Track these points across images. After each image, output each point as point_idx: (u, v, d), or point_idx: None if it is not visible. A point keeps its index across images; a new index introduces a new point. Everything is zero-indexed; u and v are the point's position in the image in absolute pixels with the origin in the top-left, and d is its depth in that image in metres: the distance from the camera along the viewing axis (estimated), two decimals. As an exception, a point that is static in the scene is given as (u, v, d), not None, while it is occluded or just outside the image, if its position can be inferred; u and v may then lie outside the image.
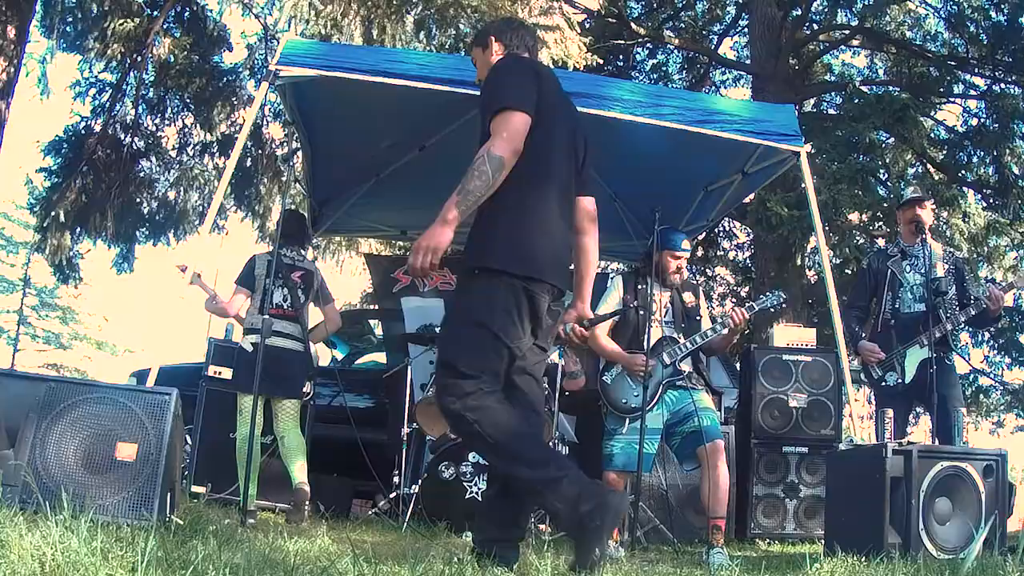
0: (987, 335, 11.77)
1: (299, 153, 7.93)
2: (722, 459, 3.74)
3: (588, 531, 2.21)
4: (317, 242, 10.97)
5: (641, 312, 3.97)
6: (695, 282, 4.50)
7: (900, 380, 4.23)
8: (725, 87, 14.41)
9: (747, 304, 4.07)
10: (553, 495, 2.27)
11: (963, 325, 4.37)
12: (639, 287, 4.04)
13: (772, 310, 4.80)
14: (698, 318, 4.07)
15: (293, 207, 10.23)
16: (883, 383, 4.29)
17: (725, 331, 3.92)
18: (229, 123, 10.28)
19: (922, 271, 4.28)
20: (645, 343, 3.83)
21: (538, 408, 2.66)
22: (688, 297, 4.09)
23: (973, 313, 4.20)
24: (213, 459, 4.67)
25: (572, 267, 2.79)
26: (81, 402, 2.62)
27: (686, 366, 3.94)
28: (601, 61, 9.22)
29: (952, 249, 4.71)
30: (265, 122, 10.22)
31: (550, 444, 4.60)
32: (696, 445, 3.77)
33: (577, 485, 2.27)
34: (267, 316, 3.89)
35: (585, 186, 2.79)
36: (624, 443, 3.85)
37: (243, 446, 4.18)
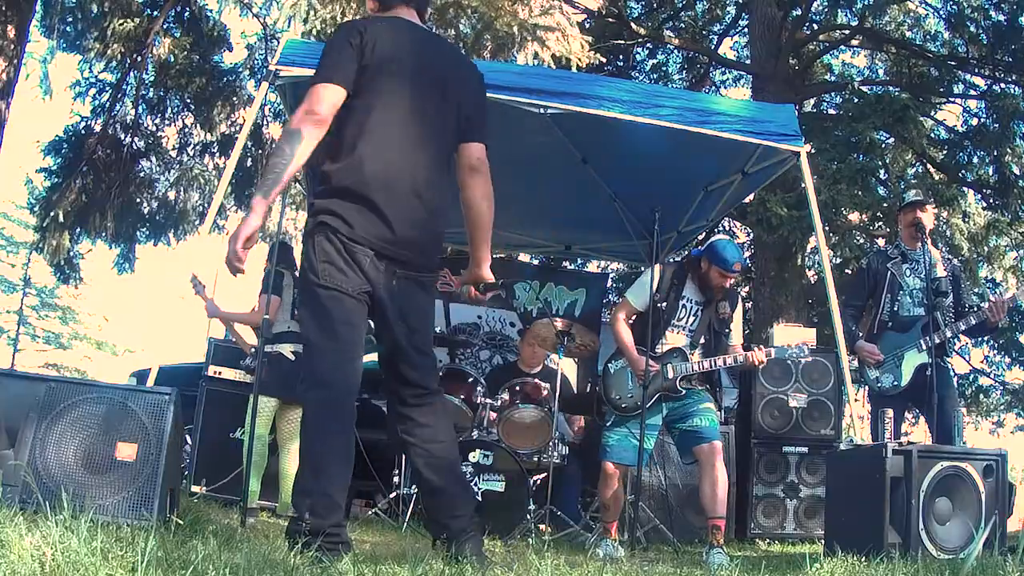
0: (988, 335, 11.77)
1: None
2: (720, 459, 3.73)
3: None
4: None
5: (664, 316, 3.85)
6: (738, 291, 4.37)
7: (896, 383, 4.23)
8: (725, 87, 14.41)
9: (767, 349, 3.89)
10: None
11: (961, 334, 4.36)
12: (674, 284, 3.89)
13: (789, 362, 4.72)
14: (727, 331, 3.92)
15: (293, 207, 10.26)
16: (879, 385, 4.29)
17: (736, 365, 3.89)
18: (229, 123, 10.29)
19: (922, 275, 4.27)
20: (648, 346, 3.78)
21: None
22: (723, 308, 3.92)
23: (973, 323, 4.19)
24: (213, 459, 4.67)
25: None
26: (81, 402, 2.61)
27: (687, 383, 3.85)
28: (604, 60, 9.23)
29: (950, 256, 4.70)
30: (265, 122, 10.23)
31: (551, 444, 4.61)
32: (693, 444, 3.77)
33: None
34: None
35: (467, 134, 2.63)
36: (620, 435, 3.84)
37: (263, 450, 4.25)
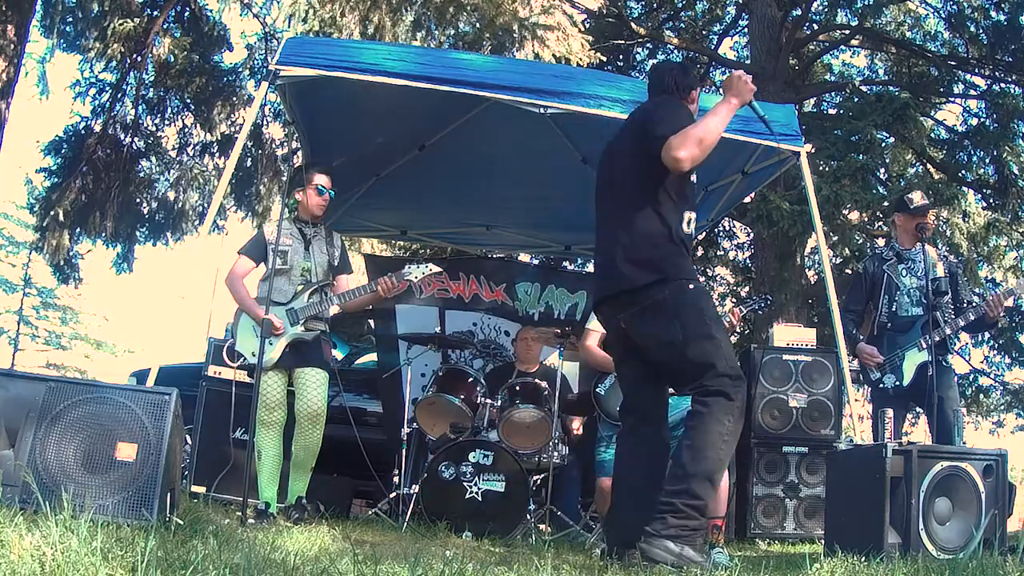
0: (987, 335, 11.77)
1: (299, 153, 7.94)
2: None
3: None
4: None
5: None
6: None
7: (898, 383, 4.23)
8: (725, 87, 14.39)
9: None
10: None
11: (960, 330, 4.36)
12: None
13: (759, 312, 4.80)
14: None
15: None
16: (880, 385, 4.30)
17: None
18: (229, 123, 10.28)
19: (919, 275, 4.27)
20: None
21: None
22: None
23: (972, 318, 4.19)
24: (213, 459, 4.67)
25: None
26: (81, 402, 2.61)
27: None
28: (604, 59, 9.22)
29: (947, 254, 4.68)
30: (265, 122, 10.22)
31: (551, 444, 4.61)
32: None
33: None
34: None
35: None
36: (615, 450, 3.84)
37: (277, 451, 4.13)
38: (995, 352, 12.56)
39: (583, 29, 8.27)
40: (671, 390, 3.81)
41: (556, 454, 4.62)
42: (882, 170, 11.34)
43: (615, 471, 3.10)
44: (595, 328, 4.11)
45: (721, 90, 3.06)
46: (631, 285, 2.89)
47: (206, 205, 10.50)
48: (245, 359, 4.23)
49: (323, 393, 4.12)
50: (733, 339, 14.24)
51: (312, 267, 4.23)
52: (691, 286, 2.87)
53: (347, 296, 4.23)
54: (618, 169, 3.08)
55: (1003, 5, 10.40)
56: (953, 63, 11.14)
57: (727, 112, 2.95)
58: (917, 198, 4.49)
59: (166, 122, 10.52)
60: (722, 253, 14.73)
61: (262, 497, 4.05)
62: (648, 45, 13.43)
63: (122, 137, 9.97)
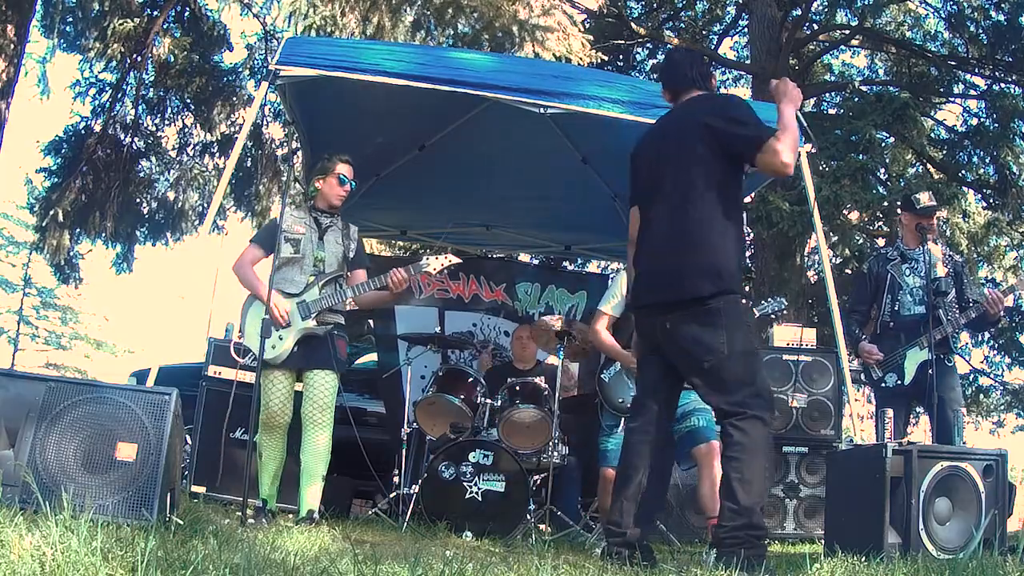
0: (987, 335, 11.78)
1: (299, 153, 7.94)
2: (718, 459, 3.74)
3: None
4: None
5: None
6: None
7: (900, 381, 4.24)
8: (725, 87, 14.38)
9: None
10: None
11: (963, 328, 4.36)
12: None
13: (773, 316, 4.79)
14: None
15: (293, 207, 10.25)
16: (883, 384, 4.30)
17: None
18: (229, 123, 10.28)
19: (922, 274, 4.28)
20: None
21: None
22: None
23: (973, 316, 4.20)
24: (213, 459, 4.66)
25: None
26: (81, 402, 2.61)
27: None
28: (605, 58, 9.22)
29: (951, 253, 4.68)
30: (265, 122, 10.22)
31: (551, 444, 4.61)
32: (691, 445, 3.78)
33: None
34: None
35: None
36: (619, 439, 3.85)
37: (279, 444, 4.05)
38: (995, 352, 12.57)
39: (583, 29, 8.26)
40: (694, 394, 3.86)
41: (556, 454, 4.61)
42: (882, 170, 11.34)
43: (620, 467, 3.08)
44: (607, 311, 4.10)
45: (774, 97, 3.02)
46: (698, 294, 2.83)
47: (206, 205, 10.50)
48: (254, 354, 3.95)
49: (331, 398, 3.94)
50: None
51: (325, 257, 4.06)
52: (744, 301, 2.92)
53: (361, 288, 4.01)
54: (681, 170, 2.95)
55: (1003, 5, 10.40)
56: (953, 63, 11.15)
57: (794, 118, 2.93)
58: (924, 199, 4.44)
59: (166, 122, 10.53)
60: (722, 253, 14.72)
61: (261, 495, 3.99)
62: (648, 45, 13.44)
63: (122, 137, 9.97)
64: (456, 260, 4.20)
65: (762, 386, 2.83)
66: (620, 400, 3.90)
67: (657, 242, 3.00)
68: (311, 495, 3.95)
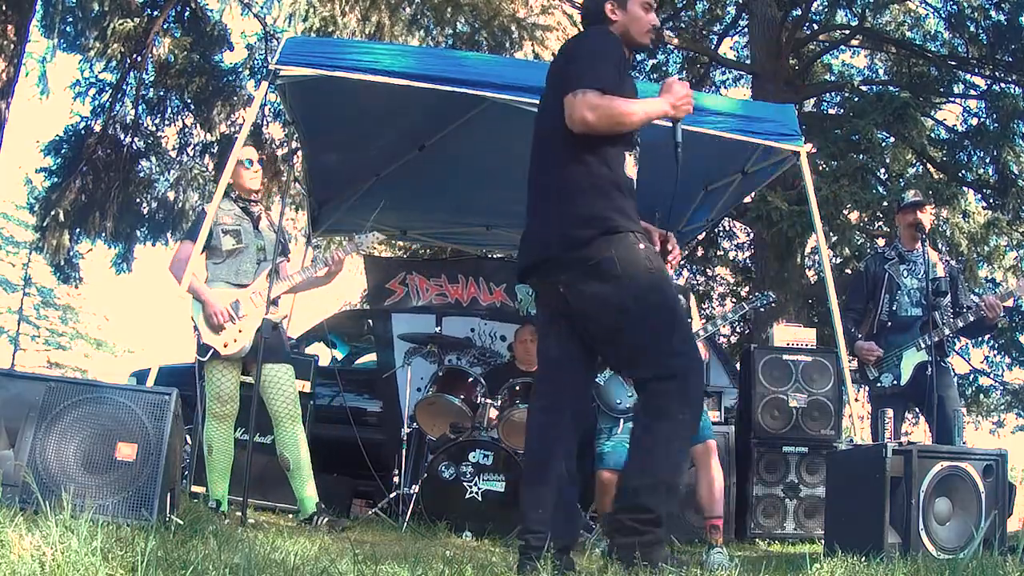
0: (987, 336, 11.77)
1: (299, 153, 7.93)
2: (715, 458, 3.75)
3: None
4: (317, 242, 10.98)
5: None
6: (684, 285, 4.49)
7: (896, 382, 4.24)
8: (725, 87, 14.40)
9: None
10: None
11: (959, 333, 4.38)
12: None
13: (761, 309, 4.83)
14: (688, 320, 4.03)
15: (293, 207, 10.26)
16: (878, 384, 4.30)
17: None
18: (229, 123, 10.28)
19: (920, 276, 4.29)
20: None
21: None
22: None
23: (971, 319, 4.20)
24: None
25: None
26: (81, 402, 2.61)
27: None
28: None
29: (948, 258, 4.71)
30: (265, 122, 10.22)
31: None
32: None
33: None
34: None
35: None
36: (616, 442, 3.86)
37: (228, 445, 4.08)
38: (995, 352, 12.56)
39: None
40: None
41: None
42: (882, 170, 11.33)
43: (527, 452, 2.69)
44: None
45: (660, 92, 2.67)
46: (571, 243, 2.45)
47: (206, 205, 10.49)
48: (215, 351, 3.89)
49: (294, 388, 3.99)
50: (734, 340, 14.30)
51: (265, 245, 4.13)
52: (641, 246, 2.50)
53: (299, 275, 4.08)
54: (541, 122, 2.66)
55: (1003, 5, 10.39)
56: (953, 63, 11.14)
57: (655, 114, 2.59)
58: (910, 195, 4.59)
59: (166, 122, 10.53)
60: (722, 253, 14.73)
61: (212, 495, 3.96)
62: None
63: (122, 137, 9.97)
64: (381, 236, 4.33)
65: (681, 341, 2.45)
66: (618, 402, 3.90)
67: (529, 200, 2.67)
68: (309, 491, 3.99)
